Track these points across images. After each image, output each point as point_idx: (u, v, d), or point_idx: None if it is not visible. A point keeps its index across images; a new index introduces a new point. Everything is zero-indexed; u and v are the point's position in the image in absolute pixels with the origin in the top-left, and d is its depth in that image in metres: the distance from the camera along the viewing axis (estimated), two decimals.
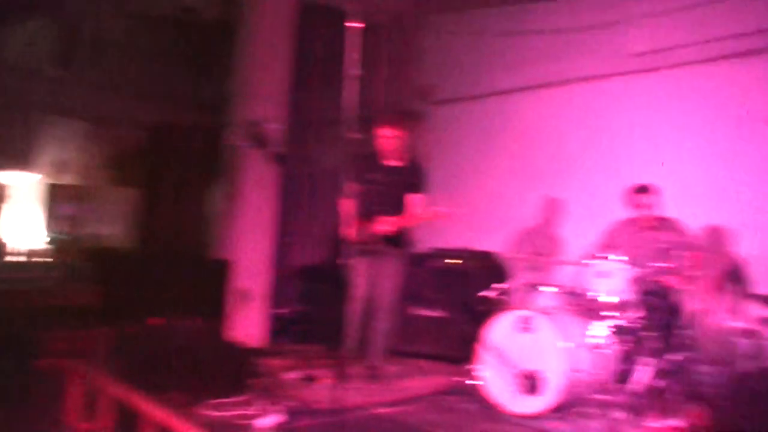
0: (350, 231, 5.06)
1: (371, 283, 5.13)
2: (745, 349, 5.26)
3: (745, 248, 5.62)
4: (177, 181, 6.26)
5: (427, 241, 6.88)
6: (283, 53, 6.51)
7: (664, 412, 4.34)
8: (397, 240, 5.08)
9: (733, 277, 5.60)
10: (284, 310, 6.61)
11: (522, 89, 7.17)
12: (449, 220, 4.81)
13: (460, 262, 6.36)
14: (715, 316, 5.51)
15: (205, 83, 6.42)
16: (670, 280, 4.94)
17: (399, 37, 8.11)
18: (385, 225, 4.94)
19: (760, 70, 5.62)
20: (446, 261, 6.38)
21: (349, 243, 5.08)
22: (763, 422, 3.44)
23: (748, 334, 5.37)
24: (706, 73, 5.94)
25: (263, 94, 6.37)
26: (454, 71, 7.80)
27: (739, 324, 5.48)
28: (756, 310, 5.42)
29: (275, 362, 5.38)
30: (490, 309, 5.09)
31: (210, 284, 5.96)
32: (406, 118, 5.88)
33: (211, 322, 5.58)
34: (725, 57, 5.80)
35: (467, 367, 4.78)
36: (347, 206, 5.13)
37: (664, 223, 5.19)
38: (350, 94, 3.14)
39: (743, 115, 5.67)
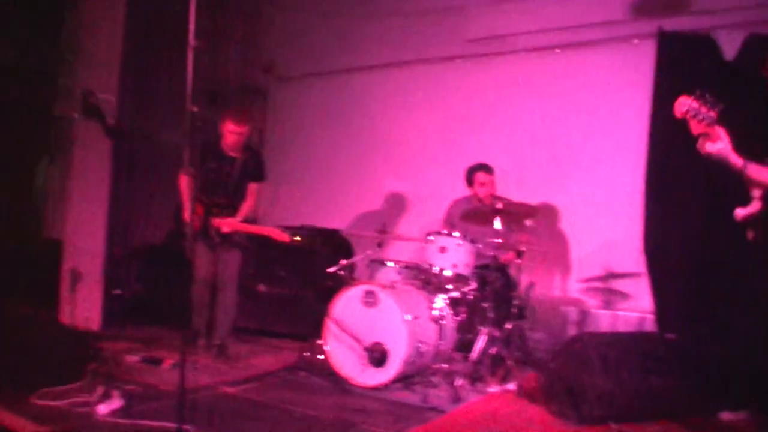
0: (188, 215, 5.02)
1: (213, 262, 5.14)
2: (572, 317, 5.73)
3: (573, 228, 6.09)
4: (1, 155, 5.75)
5: (273, 219, 6.85)
6: (117, 16, 6.12)
7: (501, 377, 4.64)
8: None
9: (562, 252, 6.05)
10: (124, 292, 6.31)
11: (366, 68, 7.26)
12: (284, 240, 4.96)
13: (299, 239, 6.37)
14: (546, 287, 5.95)
15: (34, 48, 5.91)
16: (506, 255, 5.25)
17: (247, 12, 7.92)
18: (225, 226, 5.00)
19: (589, 61, 6.05)
20: (296, 238, 6.36)
21: (188, 226, 5.03)
22: (584, 380, 3.76)
23: (574, 303, 5.86)
24: (540, 60, 6.31)
25: (96, 62, 5.98)
26: (301, 48, 7.75)
27: (567, 294, 5.97)
28: (581, 282, 5.93)
29: (116, 345, 5.16)
30: (336, 285, 5.17)
31: (41, 266, 5.58)
32: (250, 110, 5.82)
33: (43, 305, 5.25)
34: (557, 47, 6.19)
35: (315, 342, 4.84)
36: (185, 191, 5.10)
37: (499, 202, 5.47)
38: (190, 66, 3.04)
39: (574, 102, 6.09)
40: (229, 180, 5.13)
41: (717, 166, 3.33)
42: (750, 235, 3.22)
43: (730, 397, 4.06)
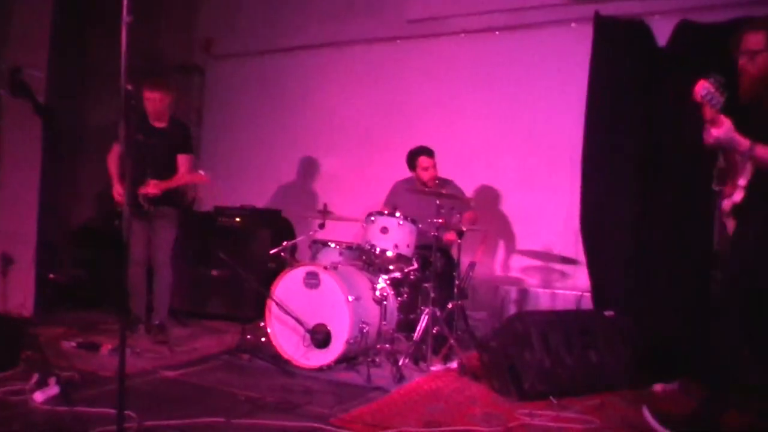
0: (117, 193, 5.00)
1: (146, 243, 5.11)
2: (512, 296, 5.86)
3: (513, 208, 6.19)
4: None
5: (212, 199, 6.75)
6: None
7: (444, 356, 4.71)
8: (167, 199, 5.05)
9: (503, 232, 6.16)
10: (58, 276, 6.13)
11: (306, 48, 7.20)
12: (210, 183, 5.01)
13: (238, 220, 6.30)
14: (487, 267, 6.05)
15: None
16: (447, 235, 5.30)
17: None
18: (150, 188, 4.92)
19: (528, 43, 6.12)
20: (236, 220, 6.29)
21: (119, 205, 4.94)
22: (525, 357, 3.86)
23: (514, 282, 5.98)
24: (479, 42, 6.36)
25: (23, 36, 5.72)
26: (239, 26, 7.63)
27: (507, 274, 6.09)
28: (520, 261, 6.05)
29: (51, 331, 5.02)
30: (278, 266, 5.14)
31: None
32: (170, 79, 5.70)
33: None
34: (497, 29, 6.25)
35: (258, 324, 4.81)
36: (112, 167, 5.11)
37: (441, 183, 5.51)
38: (124, 42, 2.94)
39: (514, 84, 6.16)
40: (156, 152, 5.04)
41: (662, 147, 3.35)
42: (730, 225, 3.23)
43: (663, 369, 4.24)
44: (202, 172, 5.00)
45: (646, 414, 3.29)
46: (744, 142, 2.97)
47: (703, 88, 2.88)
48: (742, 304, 3.09)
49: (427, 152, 5.51)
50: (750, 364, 3.32)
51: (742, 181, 3.13)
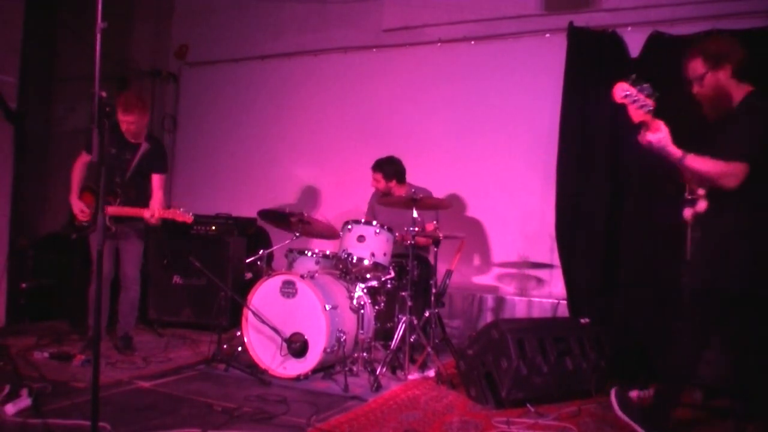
0: (79, 210, 4.84)
1: (111, 258, 4.90)
2: (488, 304, 5.88)
3: (489, 217, 6.22)
4: None
5: (186, 207, 6.68)
6: None
7: (421, 364, 4.71)
8: (130, 217, 4.85)
9: (479, 240, 6.18)
10: (30, 285, 6.02)
11: (282, 56, 7.18)
12: (186, 221, 4.74)
13: (214, 228, 6.26)
14: (463, 275, 6.06)
15: None
16: (422, 243, 5.31)
17: None
18: (119, 213, 4.73)
19: (502, 53, 6.17)
20: (211, 228, 6.24)
21: (78, 220, 4.86)
22: (502, 364, 3.87)
23: (490, 290, 6.01)
24: (454, 52, 6.39)
25: None
26: (214, 33, 7.58)
27: (484, 282, 6.11)
28: (497, 268, 6.07)
29: (22, 341, 4.94)
30: (255, 275, 5.10)
31: None
32: (143, 94, 5.55)
33: None
34: (472, 39, 6.29)
35: (234, 334, 4.76)
36: (76, 178, 4.93)
37: (413, 191, 5.51)
38: (98, 48, 2.91)
39: (489, 94, 6.21)
40: (127, 168, 4.86)
41: (632, 156, 3.42)
42: (696, 234, 3.31)
43: (638, 376, 4.28)
44: (181, 210, 4.75)
45: (613, 398, 3.41)
46: (676, 152, 3.08)
47: (621, 89, 2.97)
48: (705, 309, 3.20)
49: (373, 167, 5.59)
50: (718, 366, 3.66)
51: (701, 191, 3.24)
